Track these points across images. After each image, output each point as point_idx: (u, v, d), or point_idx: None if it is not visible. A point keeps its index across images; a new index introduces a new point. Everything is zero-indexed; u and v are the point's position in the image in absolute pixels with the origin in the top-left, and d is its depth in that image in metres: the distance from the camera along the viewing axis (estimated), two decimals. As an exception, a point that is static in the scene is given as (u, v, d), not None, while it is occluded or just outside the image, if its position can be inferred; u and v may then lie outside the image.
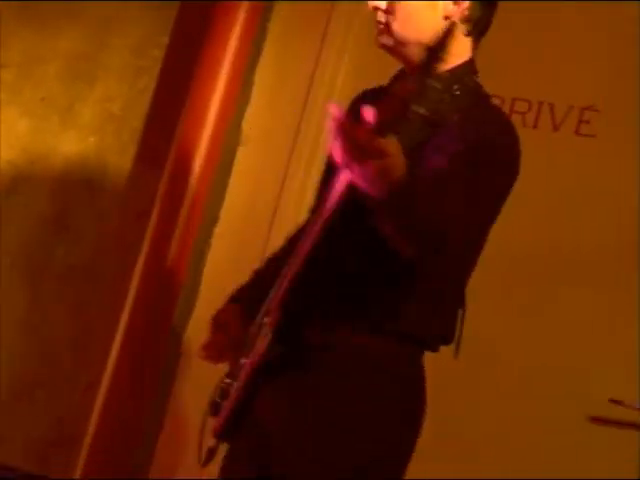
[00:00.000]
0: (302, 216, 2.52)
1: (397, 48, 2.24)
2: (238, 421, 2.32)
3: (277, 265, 2.34)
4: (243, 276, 2.40)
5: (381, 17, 2.24)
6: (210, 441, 2.34)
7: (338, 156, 1.76)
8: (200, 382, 2.74)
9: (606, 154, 3.05)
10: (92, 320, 2.97)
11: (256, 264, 2.48)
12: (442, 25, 2.16)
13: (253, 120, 3.16)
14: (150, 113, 3.06)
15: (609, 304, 2.96)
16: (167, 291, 2.99)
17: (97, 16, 3.14)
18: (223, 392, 2.34)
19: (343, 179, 1.94)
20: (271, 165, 3.17)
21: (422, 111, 2.04)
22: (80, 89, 3.09)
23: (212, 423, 2.28)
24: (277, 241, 2.54)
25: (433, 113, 2.07)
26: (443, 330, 2.19)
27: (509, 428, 2.97)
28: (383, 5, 2.24)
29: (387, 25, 2.24)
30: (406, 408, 2.17)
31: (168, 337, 3.06)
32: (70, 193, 3.08)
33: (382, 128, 1.75)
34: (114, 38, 3.13)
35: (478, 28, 2.28)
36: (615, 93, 3.11)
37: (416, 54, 2.20)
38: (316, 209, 2.23)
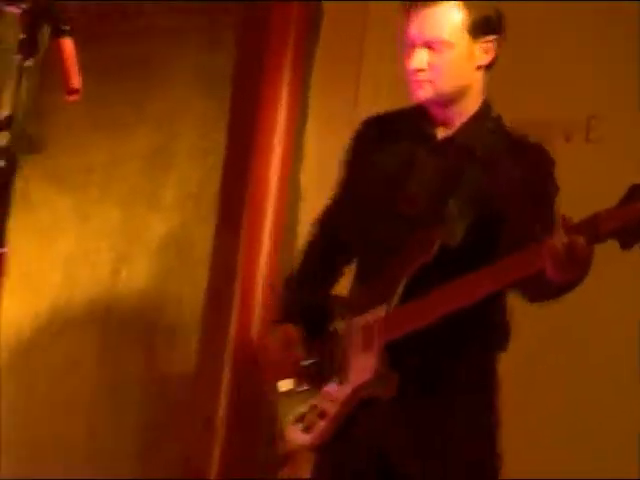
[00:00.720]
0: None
1: (436, 99, 2.47)
2: (336, 438, 2.52)
3: (321, 276, 2.65)
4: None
5: (424, 76, 2.47)
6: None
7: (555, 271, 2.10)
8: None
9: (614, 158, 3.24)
10: (201, 363, 3.42)
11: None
12: (475, 74, 2.50)
13: (308, 176, 3.59)
14: (222, 187, 3.51)
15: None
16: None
17: (162, 112, 3.62)
18: (320, 412, 2.55)
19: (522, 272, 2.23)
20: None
21: None
22: (159, 176, 3.56)
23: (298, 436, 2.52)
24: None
25: None
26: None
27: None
28: (425, 65, 2.45)
29: (430, 82, 2.47)
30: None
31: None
32: (164, 265, 3.54)
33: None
34: (180, 128, 3.60)
35: None
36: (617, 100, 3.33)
37: (456, 100, 2.49)
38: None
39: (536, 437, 3.14)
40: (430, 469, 2.45)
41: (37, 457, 3.51)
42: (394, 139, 2.64)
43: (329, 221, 2.73)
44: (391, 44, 3.61)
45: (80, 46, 1.91)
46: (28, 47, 1.79)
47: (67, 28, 1.85)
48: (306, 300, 2.67)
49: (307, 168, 3.57)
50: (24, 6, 1.85)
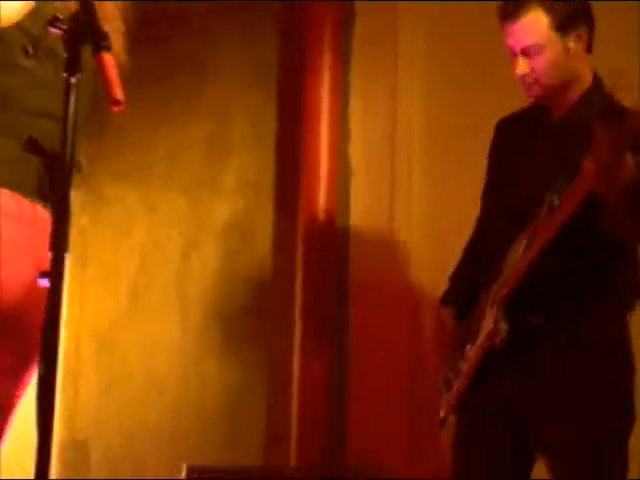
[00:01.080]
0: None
1: (546, 94, 2.76)
2: (470, 396, 2.79)
3: (469, 271, 2.92)
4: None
5: (529, 79, 2.75)
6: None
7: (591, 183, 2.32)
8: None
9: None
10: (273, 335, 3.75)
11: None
12: (576, 61, 2.76)
13: (356, 154, 3.85)
14: (276, 171, 3.83)
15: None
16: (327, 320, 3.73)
17: (215, 105, 3.91)
18: (455, 372, 2.84)
19: (578, 189, 2.44)
20: (379, 186, 3.86)
21: None
22: (218, 164, 3.85)
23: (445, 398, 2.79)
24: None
25: None
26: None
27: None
28: (527, 70, 2.74)
29: (535, 82, 2.75)
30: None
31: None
32: (230, 248, 3.84)
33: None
34: (234, 118, 3.89)
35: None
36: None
37: (565, 88, 2.74)
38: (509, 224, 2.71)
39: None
40: (566, 432, 2.62)
41: (128, 436, 3.82)
42: (518, 130, 2.92)
43: (484, 209, 2.99)
44: (424, 26, 3.91)
45: (136, 48, 2.17)
46: (72, 65, 1.89)
47: (106, 44, 1.95)
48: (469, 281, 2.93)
49: (354, 147, 3.84)
50: (65, 27, 1.95)
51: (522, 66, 2.73)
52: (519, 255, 2.66)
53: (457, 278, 2.99)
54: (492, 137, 2.98)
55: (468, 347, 2.79)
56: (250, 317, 3.76)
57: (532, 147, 2.88)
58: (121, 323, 3.88)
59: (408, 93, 3.85)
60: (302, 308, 3.74)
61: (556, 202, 2.53)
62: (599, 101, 2.69)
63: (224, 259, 3.80)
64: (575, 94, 2.80)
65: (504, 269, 2.72)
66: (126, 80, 1.94)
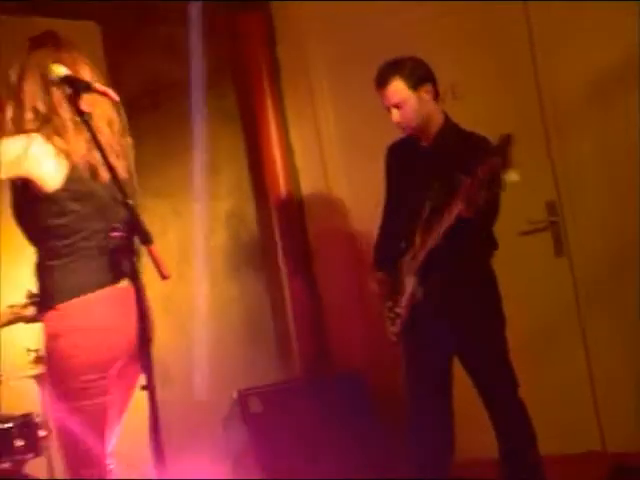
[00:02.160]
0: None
1: (413, 131, 3.69)
2: (408, 330, 3.70)
3: (385, 247, 3.85)
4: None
5: (401, 124, 3.70)
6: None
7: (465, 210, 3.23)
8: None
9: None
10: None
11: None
12: (429, 106, 3.66)
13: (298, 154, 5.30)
14: (252, 178, 5.31)
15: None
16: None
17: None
18: (394, 313, 3.76)
19: (453, 212, 3.36)
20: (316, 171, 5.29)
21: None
22: (214, 179, 5.23)
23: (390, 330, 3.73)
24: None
25: None
26: (494, 247, 3.69)
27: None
28: (399, 118, 3.66)
29: (406, 125, 3.67)
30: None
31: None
32: (233, 230, 5.29)
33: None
34: (218, 148, 5.23)
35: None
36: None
37: (426, 124, 3.65)
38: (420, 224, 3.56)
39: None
40: (470, 328, 3.64)
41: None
42: (403, 153, 3.86)
43: (388, 206, 3.95)
44: (328, 59, 5.04)
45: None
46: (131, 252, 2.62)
47: (150, 237, 2.53)
48: (387, 254, 3.86)
49: (297, 151, 5.33)
50: (123, 233, 2.63)
51: (395, 116, 3.65)
52: (419, 242, 3.62)
53: (379, 250, 3.97)
54: (385, 157, 3.94)
55: (401, 298, 3.74)
56: (253, 266, 5.28)
57: (412, 166, 3.79)
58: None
59: (323, 110, 5.23)
60: (283, 254, 5.29)
61: (433, 205, 3.51)
62: (452, 132, 3.70)
63: (230, 238, 5.26)
64: (434, 129, 3.71)
65: (410, 248, 3.68)
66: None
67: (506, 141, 3.17)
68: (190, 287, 5.01)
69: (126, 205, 2.57)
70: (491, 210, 3.48)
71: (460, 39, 4.64)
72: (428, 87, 3.68)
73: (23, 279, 4.25)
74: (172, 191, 5.00)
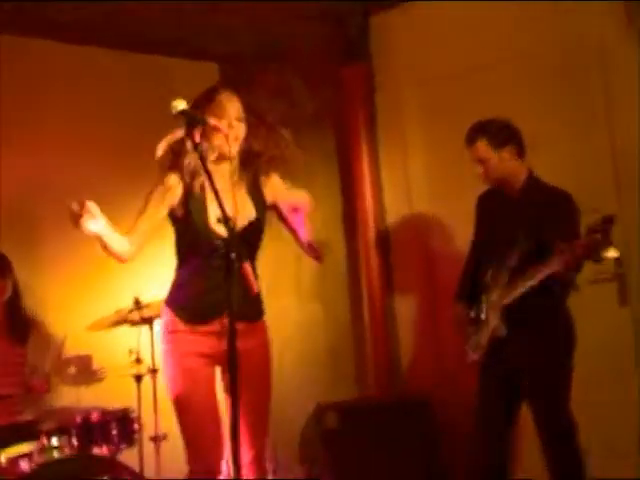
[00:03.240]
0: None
1: (493, 185, 4.07)
2: (487, 361, 3.99)
3: (467, 283, 4.17)
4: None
5: (482, 177, 4.07)
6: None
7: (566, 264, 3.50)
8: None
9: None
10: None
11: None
12: (512, 164, 3.99)
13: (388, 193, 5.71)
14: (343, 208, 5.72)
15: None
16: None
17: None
18: (477, 344, 4.05)
19: (550, 268, 3.64)
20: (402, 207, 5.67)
21: None
22: None
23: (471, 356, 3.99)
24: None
25: None
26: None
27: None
28: (481, 171, 4.08)
29: (486, 178, 4.05)
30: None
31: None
32: None
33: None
34: (315, 180, 5.37)
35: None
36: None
37: (505, 183, 4.01)
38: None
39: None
40: (540, 375, 3.88)
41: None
42: (492, 201, 4.17)
43: (475, 245, 4.28)
44: (422, 106, 5.39)
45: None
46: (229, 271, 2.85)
47: (244, 256, 2.93)
48: (468, 289, 4.20)
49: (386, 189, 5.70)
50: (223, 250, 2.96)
51: (479, 169, 4.02)
52: (503, 282, 3.91)
53: (463, 285, 4.29)
54: (476, 206, 4.26)
55: (484, 330, 3.99)
56: (338, 292, 5.65)
57: (501, 213, 4.08)
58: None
59: (413, 155, 5.55)
60: (366, 282, 5.64)
61: (521, 253, 3.83)
62: (536, 187, 3.98)
63: (319, 266, 5.24)
64: (517, 184, 4.01)
65: (491, 287, 3.98)
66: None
67: (609, 221, 3.52)
68: (279, 305, 5.22)
69: (227, 225, 2.86)
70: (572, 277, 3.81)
71: (537, 89, 4.94)
72: (511, 148, 3.99)
73: (129, 285, 4.80)
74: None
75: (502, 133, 4.00)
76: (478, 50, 5.13)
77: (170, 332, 3.48)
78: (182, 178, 3.39)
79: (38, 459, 4.10)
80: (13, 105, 5.64)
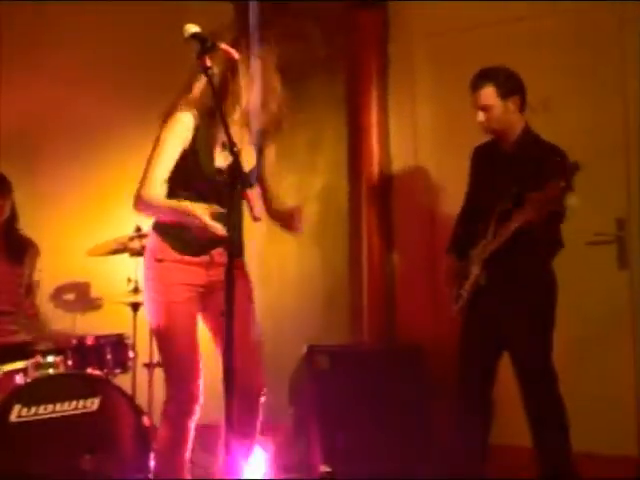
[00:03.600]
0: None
1: (494, 134, 4.01)
2: (469, 311, 4.02)
3: (460, 235, 4.16)
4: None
5: (484, 124, 3.99)
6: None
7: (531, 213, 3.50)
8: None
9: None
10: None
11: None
12: (513, 115, 3.96)
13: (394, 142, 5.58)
14: (348, 154, 5.64)
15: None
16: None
17: (312, 120, 5.62)
18: (458, 294, 4.10)
19: (522, 216, 3.64)
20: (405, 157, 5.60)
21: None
22: (315, 155, 5.69)
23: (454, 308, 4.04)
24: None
25: None
26: (559, 247, 3.91)
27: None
28: (483, 119, 3.96)
29: (488, 126, 3.99)
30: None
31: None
32: (324, 201, 5.64)
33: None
34: (324, 126, 5.61)
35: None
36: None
37: (506, 130, 3.95)
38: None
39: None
40: (523, 320, 3.88)
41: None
42: (486, 155, 4.15)
43: (469, 197, 4.26)
44: (432, 58, 5.34)
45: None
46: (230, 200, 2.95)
47: (249, 182, 3.09)
48: (461, 240, 4.20)
49: (392, 138, 5.58)
50: (226, 178, 3.00)
51: (481, 117, 3.95)
52: (490, 236, 3.91)
53: (454, 238, 4.27)
54: (471, 157, 4.24)
55: (465, 282, 4.06)
56: (338, 238, 5.54)
57: (492, 167, 4.09)
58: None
59: (421, 105, 5.50)
60: (367, 230, 5.50)
61: (506, 206, 3.80)
62: (531, 141, 3.96)
63: (320, 210, 5.61)
64: (513, 137, 3.98)
65: (480, 239, 3.98)
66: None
67: (573, 168, 3.47)
68: (279, 248, 5.31)
69: (232, 151, 2.84)
70: (555, 220, 3.76)
71: (555, 52, 4.92)
72: (516, 99, 3.96)
73: (128, 218, 4.79)
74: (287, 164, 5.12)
75: (509, 82, 3.95)
76: (493, 6, 5.11)
77: (157, 260, 3.42)
78: (195, 116, 3.34)
79: (33, 374, 4.11)
80: (14, 41, 5.64)
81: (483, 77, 3.93)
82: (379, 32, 5.59)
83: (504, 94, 3.91)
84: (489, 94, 3.91)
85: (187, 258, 3.39)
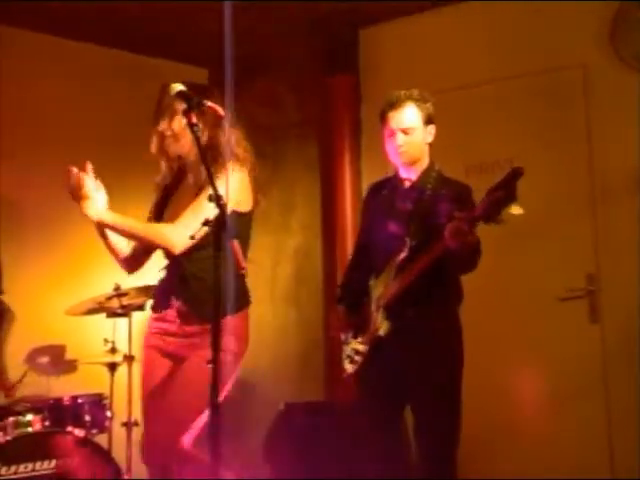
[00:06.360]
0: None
1: (409, 162, 3.50)
2: (367, 367, 3.49)
3: (352, 284, 3.66)
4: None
5: (402, 149, 3.48)
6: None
7: (451, 240, 2.99)
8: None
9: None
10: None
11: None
12: (425, 147, 3.52)
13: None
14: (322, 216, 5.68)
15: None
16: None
17: (284, 183, 5.71)
18: (356, 351, 3.55)
19: (437, 248, 3.16)
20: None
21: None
22: (289, 217, 5.76)
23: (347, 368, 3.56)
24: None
25: None
26: (461, 298, 3.48)
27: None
28: (403, 143, 3.46)
29: (406, 152, 3.49)
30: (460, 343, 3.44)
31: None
32: (299, 263, 5.72)
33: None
34: (296, 188, 5.71)
35: None
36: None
37: (415, 163, 3.49)
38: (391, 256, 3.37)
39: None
40: (426, 380, 3.40)
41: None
42: (383, 192, 3.69)
43: (359, 242, 3.82)
44: None
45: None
46: (218, 245, 2.71)
47: (233, 234, 2.76)
48: (352, 289, 3.70)
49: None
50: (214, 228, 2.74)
51: (400, 139, 3.43)
52: (391, 278, 3.42)
53: (345, 288, 3.78)
54: (365, 195, 3.83)
55: (361, 336, 3.54)
56: (312, 295, 5.57)
57: (392, 205, 3.60)
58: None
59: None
60: None
61: (413, 243, 3.34)
62: (435, 176, 3.55)
63: (294, 270, 5.65)
64: (419, 169, 3.55)
65: (379, 285, 3.50)
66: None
67: (513, 175, 3.02)
68: (254, 308, 5.18)
69: (219, 204, 2.76)
70: (471, 254, 3.26)
71: (520, 110, 4.93)
72: (433, 129, 3.59)
73: (107, 273, 4.76)
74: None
75: (431, 109, 3.55)
76: (463, 69, 5.18)
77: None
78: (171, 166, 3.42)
79: (12, 432, 4.03)
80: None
81: (407, 96, 3.50)
82: (351, 95, 5.62)
83: (426, 120, 3.53)
84: (413, 115, 3.49)
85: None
